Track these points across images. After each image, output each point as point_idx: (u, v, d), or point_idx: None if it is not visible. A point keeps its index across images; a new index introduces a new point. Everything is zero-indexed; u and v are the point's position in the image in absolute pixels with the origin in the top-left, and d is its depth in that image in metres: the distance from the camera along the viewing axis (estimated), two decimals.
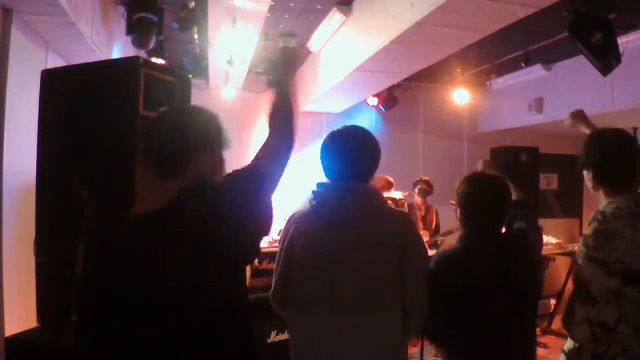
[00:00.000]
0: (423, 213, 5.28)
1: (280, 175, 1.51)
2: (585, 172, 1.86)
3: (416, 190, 5.23)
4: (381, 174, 4.47)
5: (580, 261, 1.72)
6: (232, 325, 1.38)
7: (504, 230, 2.06)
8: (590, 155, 1.83)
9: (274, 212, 1.47)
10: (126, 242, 1.37)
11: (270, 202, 1.47)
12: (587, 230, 1.73)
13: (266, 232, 1.49)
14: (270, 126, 1.57)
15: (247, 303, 1.48)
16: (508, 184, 2.00)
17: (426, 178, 5.34)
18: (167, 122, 1.47)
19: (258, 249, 1.50)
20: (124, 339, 1.31)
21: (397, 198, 3.87)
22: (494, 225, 1.95)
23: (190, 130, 1.44)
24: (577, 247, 1.84)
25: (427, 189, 5.18)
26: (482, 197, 1.93)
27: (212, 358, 1.34)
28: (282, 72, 1.69)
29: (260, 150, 1.52)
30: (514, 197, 2.08)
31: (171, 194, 1.38)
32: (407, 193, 4.72)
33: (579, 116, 2.38)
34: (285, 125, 1.57)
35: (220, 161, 1.49)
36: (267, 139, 1.54)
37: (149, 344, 1.29)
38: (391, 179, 4.79)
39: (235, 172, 1.45)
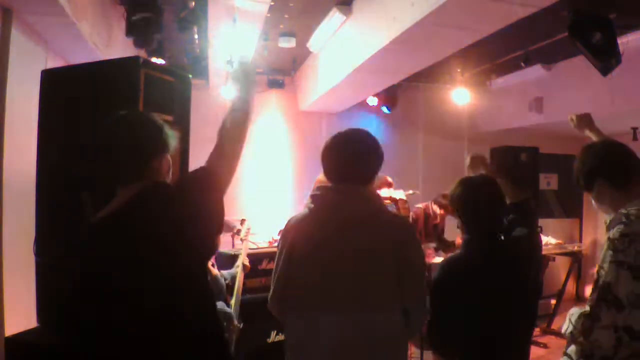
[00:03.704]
0: (438, 221, 5.22)
1: (231, 173, 1.57)
2: (594, 189, 1.82)
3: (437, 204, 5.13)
4: (380, 174, 4.43)
5: (606, 265, 1.67)
6: (192, 322, 1.41)
7: (504, 236, 2.06)
8: (586, 167, 1.81)
9: (224, 209, 1.53)
10: (86, 246, 1.42)
11: (221, 200, 1.53)
12: (613, 233, 1.69)
13: (219, 229, 1.55)
14: (224, 132, 1.60)
15: (209, 302, 1.53)
16: (497, 183, 2.00)
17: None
18: (121, 132, 1.52)
19: (213, 246, 1.58)
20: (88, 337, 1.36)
21: (398, 198, 3.84)
22: (493, 226, 1.95)
23: (145, 139, 1.51)
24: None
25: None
26: (476, 200, 1.93)
27: (173, 356, 1.37)
28: (246, 86, 1.71)
29: (212, 153, 1.57)
30: (512, 198, 2.08)
31: (128, 197, 1.44)
32: (410, 192, 4.67)
33: (585, 121, 2.37)
34: (240, 133, 1.62)
35: (168, 164, 1.57)
36: (220, 143, 1.59)
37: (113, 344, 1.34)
38: (390, 179, 4.78)
39: (187, 173, 1.51)
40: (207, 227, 1.49)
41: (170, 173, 1.60)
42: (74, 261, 1.44)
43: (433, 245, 4.98)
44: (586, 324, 1.65)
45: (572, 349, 1.76)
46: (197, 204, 1.44)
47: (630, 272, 1.60)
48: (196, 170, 1.54)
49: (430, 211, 5.02)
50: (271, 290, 1.88)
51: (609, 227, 1.75)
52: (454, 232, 5.08)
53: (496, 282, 1.83)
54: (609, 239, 1.70)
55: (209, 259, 1.68)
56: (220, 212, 1.52)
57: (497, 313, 1.81)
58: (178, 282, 1.39)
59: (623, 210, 1.72)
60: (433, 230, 5.14)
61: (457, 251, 2.01)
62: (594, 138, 2.32)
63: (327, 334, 1.69)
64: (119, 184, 1.49)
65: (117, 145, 1.49)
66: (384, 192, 4.17)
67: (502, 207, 1.97)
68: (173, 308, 1.37)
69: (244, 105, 1.66)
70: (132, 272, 1.34)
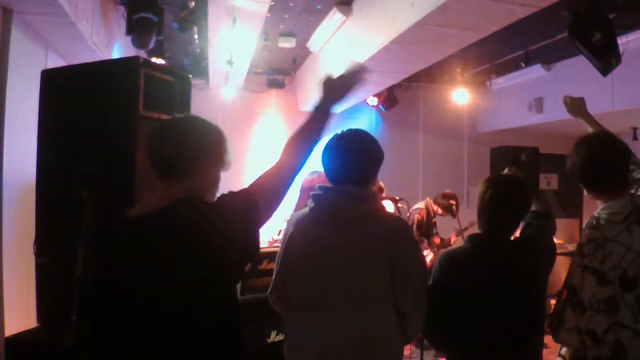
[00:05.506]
0: (435, 219, 5.19)
1: (274, 207, 1.49)
2: (576, 182, 1.84)
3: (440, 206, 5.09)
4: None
5: (573, 268, 1.70)
6: (219, 332, 1.40)
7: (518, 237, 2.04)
8: (571, 163, 1.81)
9: (259, 243, 1.47)
10: (124, 241, 1.39)
11: (257, 232, 1.46)
12: (582, 238, 1.72)
13: (249, 258, 1.55)
14: (290, 150, 1.54)
15: (234, 312, 1.48)
16: (524, 185, 1.96)
17: (452, 193, 5.09)
18: (182, 126, 1.48)
19: (240, 273, 1.54)
20: (119, 333, 1.34)
21: (398, 198, 3.83)
22: (508, 229, 1.93)
23: (204, 139, 1.46)
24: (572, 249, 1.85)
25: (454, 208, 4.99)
26: (500, 200, 1.89)
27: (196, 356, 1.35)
28: (338, 94, 1.70)
29: (265, 174, 1.50)
30: (534, 207, 2.05)
31: (171, 197, 1.39)
32: (399, 206, 4.57)
33: (577, 105, 2.27)
34: (305, 152, 1.55)
35: (218, 179, 1.51)
36: (279, 165, 1.52)
37: (139, 340, 1.32)
38: (382, 184, 4.74)
39: (227, 196, 1.44)
40: (235, 256, 1.42)
41: (217, 188, 1.52)
42: (104, 254, 1.42)
43: (436, 244, 4.98)
44: (554, 324, 1.69)
45: (565, 349, 1.76)
46: (228, 233, 1.37)
47: (595, 276, 1.62)
48: (237, 194, 1.43)
49: (431, 209, 5.03)
50: (271, 284, 1.89)
51: (584, 230, 1.76)
52: (449, 231, 5.12)
53: (494, 280, 1.82)
54: (578, 243, 1.71)
55: (235, 282, 1.60)
56: (252, 243, 1.45)
57: (491, 310, 1.81)
58: (201, 291, 1.36)
59: (595, 214, 1.73)
60: (433, 228, 5.15)
61: (460, 245, 2.00)
62: (588, 128, 2.21)
63: (321, 333, 1.70)
64: (162, 179, 1.43)
65: (174, 139, 1.43)
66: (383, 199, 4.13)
67: (521, 208, 1.94)
68: (192, 314, 1.35)
69: (326, 116, 1.62)
70: (167, 273, 1.33)
